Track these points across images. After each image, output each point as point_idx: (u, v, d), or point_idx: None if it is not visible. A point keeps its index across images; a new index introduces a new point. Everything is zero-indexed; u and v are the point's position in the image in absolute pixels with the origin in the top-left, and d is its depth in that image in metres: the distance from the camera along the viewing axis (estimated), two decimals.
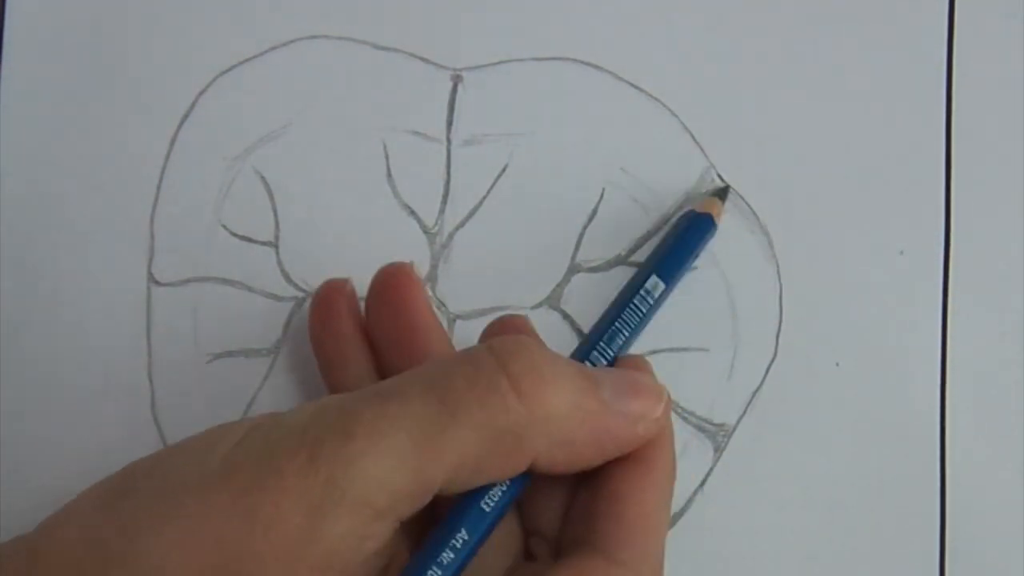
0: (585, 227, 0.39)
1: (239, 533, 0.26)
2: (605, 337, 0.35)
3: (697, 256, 0.38)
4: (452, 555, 0.29)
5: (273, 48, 0.39)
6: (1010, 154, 0.39)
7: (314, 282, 0.38)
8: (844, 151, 0.39)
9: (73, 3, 0.39)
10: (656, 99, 0.39)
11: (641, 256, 0.39)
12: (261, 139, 0.39)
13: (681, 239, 0.37)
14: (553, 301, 0.38)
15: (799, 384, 0.38)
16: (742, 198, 0.39)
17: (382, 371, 0.35)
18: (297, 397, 0.38)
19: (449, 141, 0.39)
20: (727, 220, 0.39)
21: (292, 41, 0.39)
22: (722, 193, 0.38)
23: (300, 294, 0.38)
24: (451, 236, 0.39)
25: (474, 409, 0.28)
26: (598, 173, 0.39)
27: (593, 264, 0.39)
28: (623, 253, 0.39)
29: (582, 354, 0.34)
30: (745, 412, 0.38)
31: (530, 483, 0.31)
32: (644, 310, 0.35)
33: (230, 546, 0.26)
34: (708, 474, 0.38)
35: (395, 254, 0.38)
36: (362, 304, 0.36)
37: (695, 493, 0.38)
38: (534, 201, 0.39)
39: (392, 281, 0.34)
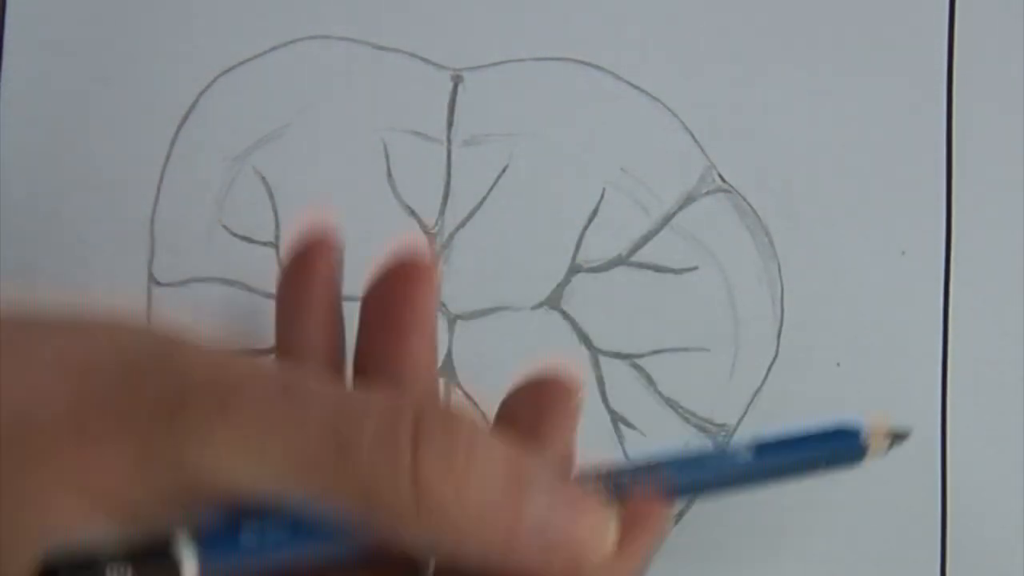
0: (585, 227, 0.39)
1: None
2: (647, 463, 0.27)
3: (810, 471, 0.28)
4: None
5: (273, 48, 0.39)
6: (1010, 154, 0.39)
7: None
8: (844, 151, 0.39)
9: (73, 3, 0.39)
10: (656, 99, 0.39)
11: (641, 256, 0.39)
12: (261, 139, 0.39)
13: (811, 438, 0.28)
14: (553, 301, 0.38)
15: (799, 384, 0.38)
16: (742, 198, 0.39)
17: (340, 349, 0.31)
18: None
19: (449, 141, 0.39)
20: (728, 220, 0.39)
21: (292, 41, 0.39)
22: (899, 437, 0.30)
23: None
24: (451, 236, 0.39)
25: (363, 465, 0.24)
26: (598, 173, 0.39)
27: (593, 264, 0.39)
28: (623, 253, 0.39)
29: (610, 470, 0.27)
30: (746, 412, 0.38)
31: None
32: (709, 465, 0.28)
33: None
34: None
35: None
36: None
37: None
38: (534, 201, 0.39)
39: (402, 273, 0.30)
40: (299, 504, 0.24)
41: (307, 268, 0.30)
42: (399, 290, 0.30)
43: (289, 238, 0.31)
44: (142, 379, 0.24)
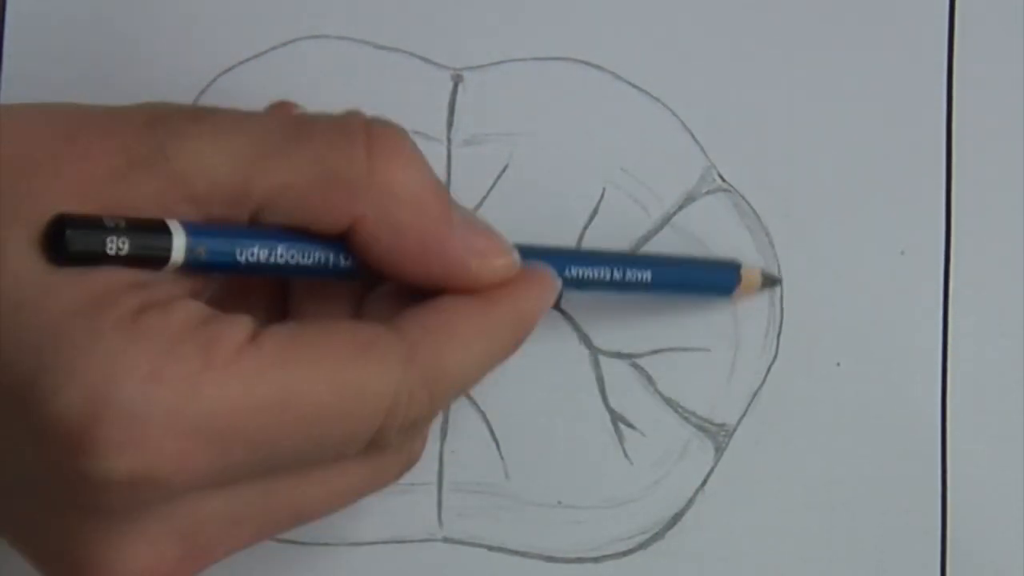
0: (585, 227, 0.39)
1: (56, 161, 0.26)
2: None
3: (690, 290, 0.38)
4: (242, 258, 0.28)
5: (273, 48, 0.39)
6: (1011, 154, 0.39)
7: None
8: (844, 151, 0.39)
9: (73, 3, 0.39)
10: (656, 99, 0.39)
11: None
12: None
13: (698, 267, 0.38)
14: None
15: (800, 384, 0.38)
16: (742, 198, 0.39)
17: None
18: None
19: (449, 141, 0.39)
20: (728, 220, 0.39)
21: (292, 41, 0.39)
22: (769, 280, 0.38)
23: None
24: None
25: (321, 143, 0.28)
26: (598, 173, 0.39)
27: None
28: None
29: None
30: (746, 412, 0.38)
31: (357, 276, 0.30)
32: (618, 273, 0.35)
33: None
34: (709, 474, 0.38)
35: None
36: None
37: (696, 493, 0.38)
38: (534, 201, 0.39)
39: None
40: (267, 202, 0.27)
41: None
42: None
43: None
44: (123, 108, 0.28)
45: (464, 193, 0.39)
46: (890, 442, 0.38)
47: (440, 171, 0.39)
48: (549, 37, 0.39)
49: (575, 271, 0.34)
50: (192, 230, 0.27)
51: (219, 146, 0.27)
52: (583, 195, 0.39)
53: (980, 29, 0.40)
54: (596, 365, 0.38)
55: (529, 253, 0.32)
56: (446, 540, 0.38)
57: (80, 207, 0.26)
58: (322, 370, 0.27)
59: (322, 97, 0.39)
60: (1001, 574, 0.38)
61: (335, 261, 0.29)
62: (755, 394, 0.38)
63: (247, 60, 0.39)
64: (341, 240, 0.29)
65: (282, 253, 0.28)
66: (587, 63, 0.39)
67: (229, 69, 0.39)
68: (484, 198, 0.39)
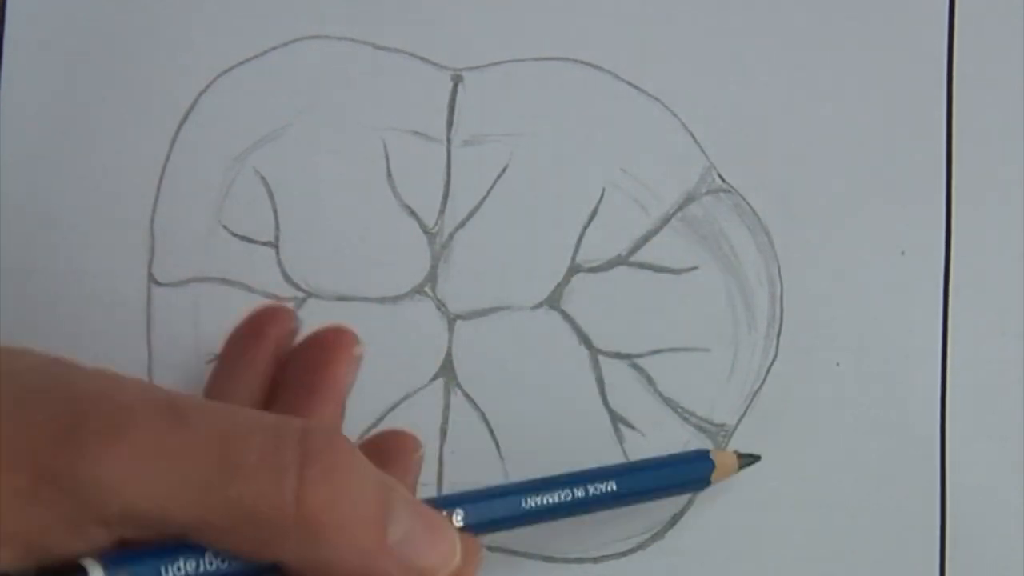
0: (585, 227, 0.39)
1: None
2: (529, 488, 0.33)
3: (669, 493, 0.36)
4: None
5: (273, 48, 0.39)
6: (1011, 154, 0.39)
7: (314, 282, 0.38)
8: (844, 151, 0.39)
9: (73, 3, 0.39)
10: (656, 99, 0.39)
11: (641, 256, 0.39)
12: (261, 139, 0.39)
13: (666, 465, 0.36)
14: (553, 301, 0.38)
15: (799, 384, 0.38)
16: (742, 198, 0.39)
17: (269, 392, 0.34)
18: None
19: (449, 141, 0.39)
20: (728, 220, 0.39)
21: (292, 41, 0.39)
22: (748, 459, 0.37)
23: (300, 294, 0.38)
24: (451, 236, 0.39)
25: (250, 486, 0.26)
26: (598, 173, 0.39)
27: (593, 264, 0.39)
28: (623, 253, 0.39)
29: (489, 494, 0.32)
30: (745, 412, 0.38)
31: None
32: (579, 495, 0.33)
33: None
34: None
35: (395, 254, 0.38)
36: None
37: (696, 493, 0.38)
38: (534, 201, 0.39)
39: (329, 345, 0.33)
40: (187, 529, 0.25)
41: (257, 330, 0.34)
42: (318, 355, 0.33)
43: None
44: (34, 403, 0.25)
45: (464, 193, 0.39)
46: (890, 442, 0.38)
47: (440, 171, 0.39)
48: (549, 37, 0.39)
49: (532, 502, 0.33)
50: (109, 562, 0.25)
51: (136, 475, 0.25)
52: (583, 195, 0.39)
53: (980, 29, 0.40)
54: (596, 365, 0.38)
55: (479, 497, 0.32)
56: None
57: None
58: None
59: (322, 97, 0.39)
60: (1001, 574, 0.38)
61: None
62: (755, 394, 0.38)
63: (247, 60, 0.39)
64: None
65: (209, 572, 0.27)
66: (587, 63, 0.39)
67: (229, 69, 0.39)
68: (484, 198, 0.39)
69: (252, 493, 0.26)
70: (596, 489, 0.34)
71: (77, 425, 0.25)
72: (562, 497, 0.33)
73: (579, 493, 0.33)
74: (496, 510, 0.32)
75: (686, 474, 0.36)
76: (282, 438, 0.26)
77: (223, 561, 0.26)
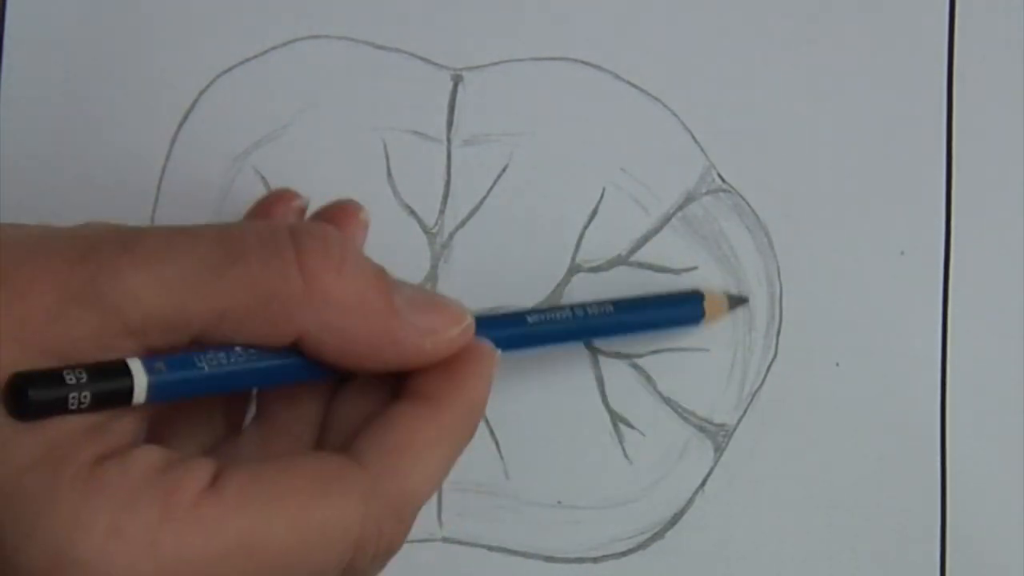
0: (585, 227, 0.39)
1: None
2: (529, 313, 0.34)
3: (660, 328, 0.38)
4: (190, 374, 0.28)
5: (273, 48, 0.39)
6: (1011, 154, 0.39)
7: None
8: (844, 151, 0.39)
9: (73, 3, 0.39)
10: (656, 99, 0.39)
11: (641, 256, 0.39)
12: (261, 139, 0.39)
13: (662, 300, 0.38)
14: (553, 301, 0.38)
15: (799, 384, 0.38)
16: (742, 198, 0.39)
17: None
18: None
19: (449, 141, 0.39)
20: (728, 220, 0.39)
21: (292, 41, 0.39)
22: (736, 300, 0.38)
23: None
24: (451, 236, 0.39)
25: (253, 265, 0.27)
26: (598, 173, 0.39)
27: (593, 264, 0.39)
28: (623, 253, 0.39)
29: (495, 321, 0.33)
30: (745, 412, 0.38)
31: (322, 380, 0.31)
32: (577, 316, 0.35)
33: None
34: (708, 474, 0.38)
35: (395, 254, 0.37)
36: None
37: (695, 493, 0.38)
38: (534, 201, 0.39)
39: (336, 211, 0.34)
40: (207, 327, 0.27)
41: (266, 211, 0.34)
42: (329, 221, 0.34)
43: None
44: (50, 238, 0.28)
45: (464, 193, 0.39)
46: (890, 442, 0.38)
47: (440, 171, 0.39)
48: (549, 37, 0.39)
49: (535, 319, 0.34)
50: (150, 367, 0.27)
51: (151, 276, 0.27)
52: (583, 195, 0.39)
53: (980, 29, 0.40)
54: (596, 365, 0.38)
55: (485, 316, 0.32)
56: (446, 540, 0.38)
57: (20, 352, 0.25)
58: (284, 512, 0.27)
59: (322, 97, 0.39)
60: (1001, 574, 0.38)
61: (294, 369, 0.29)
62: (755, 394, 0.38)
63: (247, 60, 0.39)
64: (294, 348, 0.29)
65: (240, 372, 0.28)
66: (587, 63, 0.39)
67: (229, 69, 0.39)
68: (484, 198, 0.39)
69: (258, 268, 0.27)
70: (596, 310, 0.35)
71: (92, 248, 0.27)
72: (564, 315, 0.35)
73: (579, 312, 0.35)
74: (503, 327, 0.33)
75: (681, 305, 0.38)
76: (275, 229, 0.28)
77: (250, 352, 0.28)
